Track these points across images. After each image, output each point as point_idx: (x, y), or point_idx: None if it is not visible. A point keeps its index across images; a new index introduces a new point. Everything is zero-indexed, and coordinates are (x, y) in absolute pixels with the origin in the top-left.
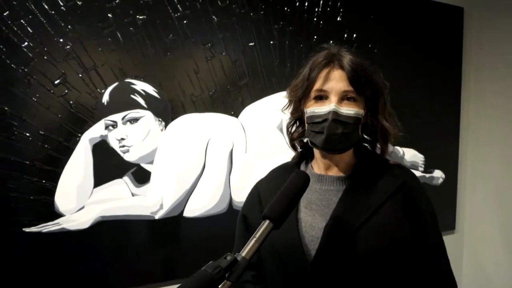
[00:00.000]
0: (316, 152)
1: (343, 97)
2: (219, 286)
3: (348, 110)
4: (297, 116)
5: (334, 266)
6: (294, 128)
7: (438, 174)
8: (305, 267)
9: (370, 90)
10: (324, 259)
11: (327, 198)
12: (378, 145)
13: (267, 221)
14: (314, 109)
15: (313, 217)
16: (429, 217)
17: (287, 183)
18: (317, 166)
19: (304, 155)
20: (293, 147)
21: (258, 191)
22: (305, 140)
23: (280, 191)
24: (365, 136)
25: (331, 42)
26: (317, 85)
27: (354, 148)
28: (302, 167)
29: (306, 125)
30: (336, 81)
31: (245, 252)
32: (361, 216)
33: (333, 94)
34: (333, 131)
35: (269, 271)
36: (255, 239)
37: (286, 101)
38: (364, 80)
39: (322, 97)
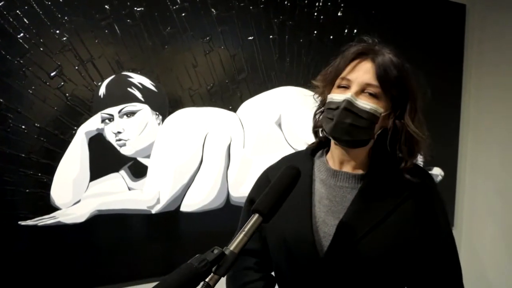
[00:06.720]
0: (332, 144)
1: (363, 90)
2: (206, 280)
3: (365, 103)
4: (324, 102)
5: (344, 264)
6: (320, 115)
7: (437, 171)
8: (316, 263)
9: (398, 91)
10: (336, 256)
11: (341, 195)
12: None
13: (257, 215)
14: (333, 95)
15: (326, 213)
16: (443, 219)
17: (277, 177)
18: (332, 160)
19: (322, 145)
20: (315, 134)
21: (268, 176)
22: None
23: (270, 185)
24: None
25: (371, 38)
26: (343, 74)
27: (371, 149)
28: (317, 157)
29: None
30: (362, 73)
31: (233, 246)
32: (376, 217)
33: (355, 84)
34: (341, 119)
35: (276, 262)
36: (244, 233)
37: (284, 96)
38: (394, 79)
39: (345, 86)
